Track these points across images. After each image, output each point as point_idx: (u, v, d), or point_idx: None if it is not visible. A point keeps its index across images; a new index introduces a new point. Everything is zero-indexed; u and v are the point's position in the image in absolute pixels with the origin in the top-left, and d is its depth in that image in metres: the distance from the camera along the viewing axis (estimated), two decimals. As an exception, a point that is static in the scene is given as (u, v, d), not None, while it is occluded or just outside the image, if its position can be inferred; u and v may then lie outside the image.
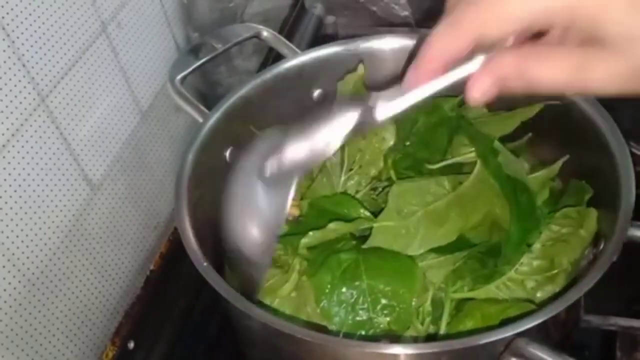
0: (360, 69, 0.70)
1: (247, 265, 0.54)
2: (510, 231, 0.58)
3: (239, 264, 0.54)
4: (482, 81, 0.38)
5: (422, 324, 0.57)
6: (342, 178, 0.68)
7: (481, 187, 0.60)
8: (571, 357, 0.47)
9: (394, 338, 0.56)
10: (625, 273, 0.57)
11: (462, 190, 0.60)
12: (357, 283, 0.57)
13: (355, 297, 0.57)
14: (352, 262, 0.58)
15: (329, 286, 0.57)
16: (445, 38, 0.38)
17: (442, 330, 0.56)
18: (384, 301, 0.56)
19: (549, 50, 0.37)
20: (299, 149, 0.50)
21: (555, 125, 0.64)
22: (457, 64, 0.40)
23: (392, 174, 0.66)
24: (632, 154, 0.57)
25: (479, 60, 0.39)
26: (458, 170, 0.64)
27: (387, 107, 0.45)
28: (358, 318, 0.56)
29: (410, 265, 0.58)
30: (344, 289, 0.57)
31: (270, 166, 0.52)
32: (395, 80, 0.44)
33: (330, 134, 0.48)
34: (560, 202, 0.62)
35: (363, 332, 0.56)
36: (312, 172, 0.69)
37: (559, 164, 0.65)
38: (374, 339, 0.56)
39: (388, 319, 0.56)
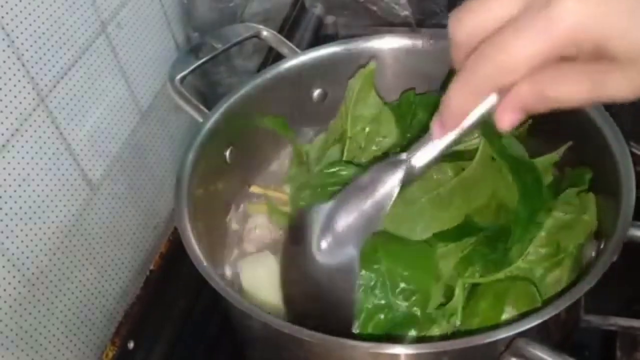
0: (372, 64, 0.70)
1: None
2: (517, 210, 0.59)
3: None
4: (507, 113, 0.40)
5: (440, 314, 0.57)
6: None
7: (484, 172, 0.61)
8: (571, 357, 0.47)
9: (394, 338, 0.56)
10: (626, 273, 0.57)
11: (465, 175, 0.60)
12: (376, 267, 0.57)
13: (374, 281, 0.57)
14: (370, 246, 0.57)
15: None
16: (463, 95, 0.40)
17: (459, 317, 0.57)
18: (402, 285, 0.56)
19: (563, 72, 0.37)
20: (348, 218, 0.53)
21: (555, 125, 0.64)
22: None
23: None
24: (632, 154, 0.57)
25: (492, 99, 0.41)
26: (460, 158, 0.64)
27: (423, 157, 0.48)
28: (377, 301, 0.56)
29: (428, 251, 0.58)
30: (363, 272, 0.57)
31: (325, 240, 0.55)
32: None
33: (377, 197, 0.52)
34: (561, 189, 0.62)
35: (382, 316, 0.56)
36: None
37: (561, 150, 0.65)
38: (374, 339, 0.56)
39: (407, 303, 0.56)
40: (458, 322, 0.57)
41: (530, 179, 0.60)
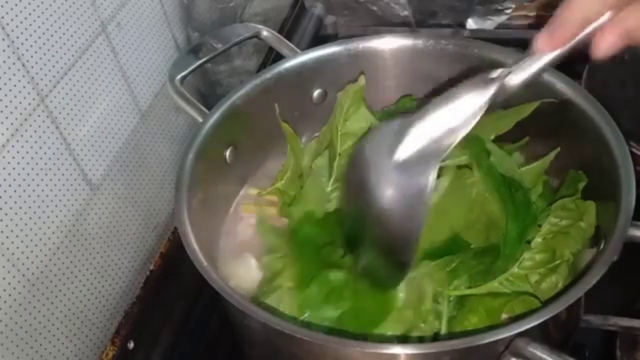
0: (362, 80, 0.70)
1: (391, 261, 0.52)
2: (507, 229, 0.58)
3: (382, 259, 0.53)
4: (609, 36, 0.39)
5: (424, 323, 0.57)
6: (329, 188, 0.68)
7: (447, 205, 0.61)
8: (571, 357, 0.47)
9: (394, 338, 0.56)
10: (626, 273, 0.57)
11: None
12: (341, 303, 0.58)
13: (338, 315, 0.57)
14: (341, 282, 0.58)
15: (314, 301, 0.58)
16: (589, 2, 0.39)
17: (443, 330, 0.56)
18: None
19: None
20: (434, 130, 0.48)
21: (555, 125, 0.64)
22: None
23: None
24: (632, 154, 0.57)
25: (603, 18, 0.40)
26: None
27: (518, 75, 0.45)
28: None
29: (393, 297, 0.58)
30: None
31: (403, 151, 0.49)
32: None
33: (464, 111, 0.48)
34: (558, 193, 0.62)
35: None
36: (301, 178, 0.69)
37: (550, 156, 0.65)
38: (374, 339, 0.56)
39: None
40: (443, 331, 0.56)
41: (519, 196, 0.60)
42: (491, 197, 0.60)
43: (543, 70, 0.44)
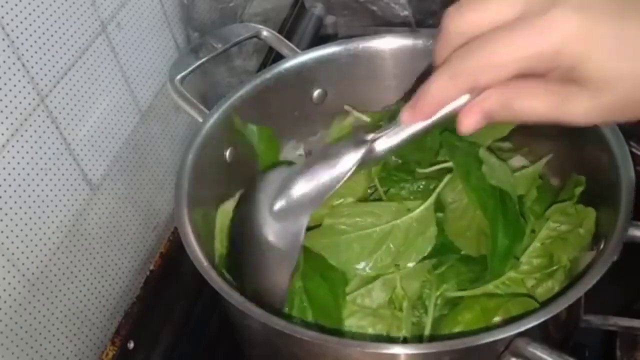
0: (349, 119, 0.71)
1: (266, 299, 0.56)
2: (495, 244, 0.58)
3: (257, 298, 0.56)
4: (471, 116, 0.42)
5: (407, 326, 0.57)
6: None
7: (420, 226, 0.60)
8: (571, 357, 0.47)
9: (395, 338, 0.56)
10: (626, 273, 0.57)
11: (399, 224, 0.60)
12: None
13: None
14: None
15: None
16: (444, 87, 0.41)
17: (427, 331, 0.57)
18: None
19: (532, 87, 0.39)
20: (306, 185, 0.55)
21: (555, 126, 0.64)
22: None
23: (377, 184, 0.66)
24: (632, 154, 0.57)
25: (463, 99, 0.42)
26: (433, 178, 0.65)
27: (386, 142, 0.48)
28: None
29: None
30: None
31: (280, 202, 0.56)
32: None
33: (335, 171, 0.52)
34: (560, 197, 0.62)
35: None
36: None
37: (544, 160, 0.65)
38: (375, 339, 0.56)
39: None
40: (427, 332, 0.57)
41: (511, 210, 0.60)
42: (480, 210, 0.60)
43: (408, 140, 0.47)
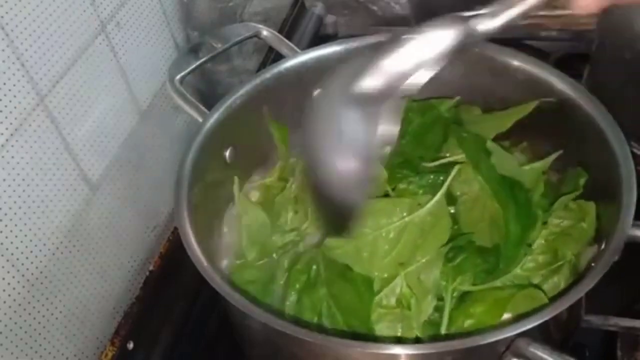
0: None
1: (338, 199, 0.47)
2: (508, 231, 0.58)
3: (328, 198, 0.47)
4: None
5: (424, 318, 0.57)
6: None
7: (434, 219, 0.60)
8: (572, 357, 0.47)
9: (396, 338, 0.56)
10: (626, 273, 0.57)
11: (414, 220, 0.60)
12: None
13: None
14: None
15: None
16: None
17: (444, 324, 0.56)
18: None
19: None
20: (395, 67, 0.44)
21: (556, 125, 0.64)
22: None
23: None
24: (633, 154, 0.57)
25: None
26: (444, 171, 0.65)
27: (489, 21, 0.42)
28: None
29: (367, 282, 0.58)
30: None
31: (363, 85, 0.45)
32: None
33: (427, 52, 0.44)
34: (562, 190, 0.63)
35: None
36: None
37: (552, 157, 0.65)
38: (375, 339, 0.56)
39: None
40: (443, 330, 0.56)
41: (521, 197, 0.60)
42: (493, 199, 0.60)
43: (517, 18, 0.42)
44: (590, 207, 0.59)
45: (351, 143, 0.46)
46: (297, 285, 0.59)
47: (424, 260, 0.58)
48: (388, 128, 0.45)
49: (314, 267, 0.60)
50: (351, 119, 0.45)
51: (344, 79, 0.47)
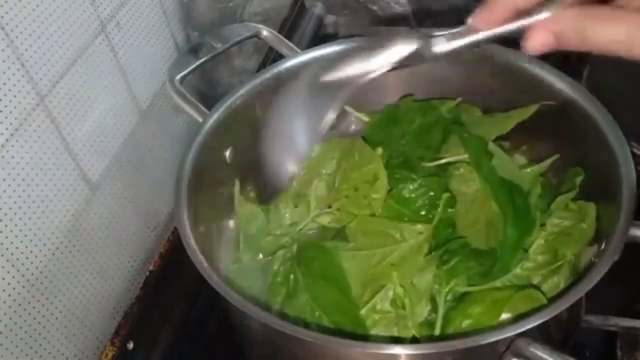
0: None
1: (272, 167, 0.53)
2: (505, 234, 0.58)
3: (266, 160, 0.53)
4: (541, 33, 0.40)
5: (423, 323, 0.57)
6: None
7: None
8: (572, 357, 0.47)
9: (395, 338, 0.56)
10: (626, 273, 0.57)
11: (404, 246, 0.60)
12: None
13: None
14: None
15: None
16: None
17: (438, 326, 0.57)
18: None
19: (610, 12, 0.38)
20: (353, 64, 0.51)
21: (556, 125, 0.64)
22: (521, 15, 0.42)
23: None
24: (633, 154, 0.57)
25: (540, 15, 0.41)
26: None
27: (446, 43, 0.46)
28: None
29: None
30: None
31: (324, 73, 0.52)
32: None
33: (384, 57, 0.49)
34: (561, 190, 0.63)
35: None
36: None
37: (548, 162, 0.65)
38: (375, 339, 0.56)
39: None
40: (437, 332, 0.57)
41: (519, 201, 0.60)
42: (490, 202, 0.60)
43: (467, 46, 0.45)
44: (591, 208, 0.59)
45: (308, 114, 0.52)
46: (279, 299, 0.60)
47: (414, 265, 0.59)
48: (334, 110, 0.51)
49: (292, 276, 0.60)
50: (313, 98, 0.52)
51: (316, 68, 0.54)
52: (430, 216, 0.63)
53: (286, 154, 0.53)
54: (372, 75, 0.51)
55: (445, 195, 0.63)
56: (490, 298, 0.56)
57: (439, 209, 0.62)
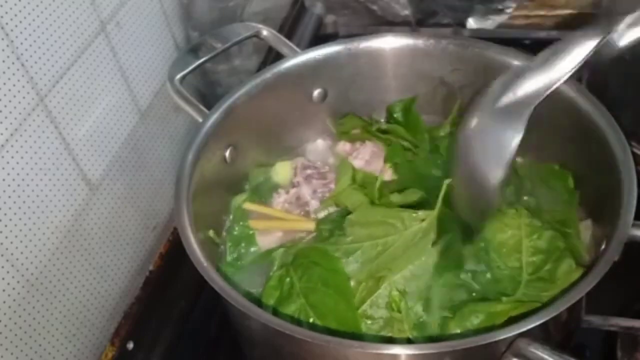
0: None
1: (477, 195, 0.55)
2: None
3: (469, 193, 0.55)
4: None
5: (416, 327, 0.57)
6: None
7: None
8: (572, 358, 0.47)
9: (395, 339, 0.56)
10: (627, 273, 0.57)
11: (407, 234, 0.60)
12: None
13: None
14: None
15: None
16: None
17: (434, 331, 0.56)
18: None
19: None
20: (533, 78, 0.52)
21: (556, 126, 0.64)
22: None
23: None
24: (634, 154, 0.57)
25: None
26: None
27: (630, 33, 0.46)
28: None
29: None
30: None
31: (506, 98, 0.53)
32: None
33: (567, 63, 0.50)
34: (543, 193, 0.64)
35: None
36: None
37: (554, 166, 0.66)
38: (375, 339, 0.56)
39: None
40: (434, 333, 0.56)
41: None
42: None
43: None
44: (564, 173, 0.62)
45: (494, 151, 0.54)
46: (272, 301, 0.59)
47: (407, 271, 0.58)
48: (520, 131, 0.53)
49: (287, 279, 0.60)
50: (498, 123, 0.54)
51: (496, 92, 0.55)
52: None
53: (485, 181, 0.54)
54: (556, 85, 0.51)
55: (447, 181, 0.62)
56: (488, 310, 0.55)
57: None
